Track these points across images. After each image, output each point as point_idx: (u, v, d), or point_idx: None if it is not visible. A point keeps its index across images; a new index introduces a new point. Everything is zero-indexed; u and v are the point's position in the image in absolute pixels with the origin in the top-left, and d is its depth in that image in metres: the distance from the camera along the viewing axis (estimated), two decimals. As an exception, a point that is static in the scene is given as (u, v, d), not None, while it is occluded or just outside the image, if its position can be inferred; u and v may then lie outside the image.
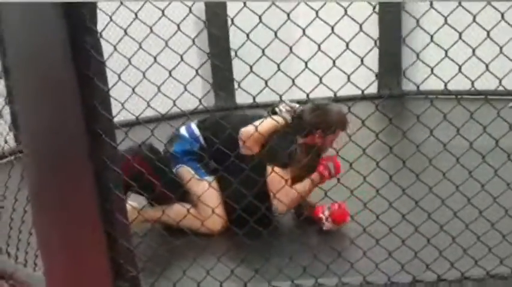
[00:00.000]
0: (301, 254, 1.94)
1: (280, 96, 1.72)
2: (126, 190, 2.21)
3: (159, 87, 1.58)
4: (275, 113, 2.45)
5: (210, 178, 2.42)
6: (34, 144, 1.53)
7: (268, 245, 1.97)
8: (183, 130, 2.54)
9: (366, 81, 1.55)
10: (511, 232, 1.67)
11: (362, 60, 1.49)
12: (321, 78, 1.51)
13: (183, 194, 2.30)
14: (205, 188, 2.32)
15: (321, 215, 2.40)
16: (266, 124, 2.35)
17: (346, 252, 1.83)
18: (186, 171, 2.43)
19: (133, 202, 2.38)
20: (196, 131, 2.52)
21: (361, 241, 1.72)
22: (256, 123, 2.31)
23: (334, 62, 1.48)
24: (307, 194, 2.47)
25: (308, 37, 1.49)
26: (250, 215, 1.79)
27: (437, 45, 1.55)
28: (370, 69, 1.66)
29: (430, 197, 1.62)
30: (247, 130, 2.34)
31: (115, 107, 1.54)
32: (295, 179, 2.44)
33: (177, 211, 2.21)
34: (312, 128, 2.37)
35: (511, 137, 1.56)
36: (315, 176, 2.45)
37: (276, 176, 2.27)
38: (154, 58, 1.54)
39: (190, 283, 1.68)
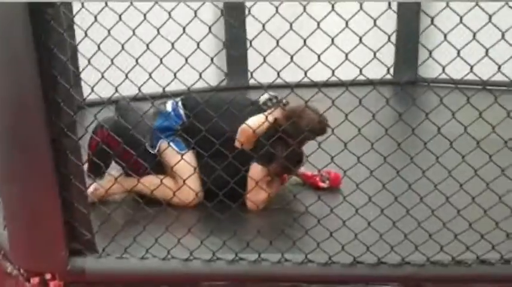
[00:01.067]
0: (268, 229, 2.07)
1: (292, 88, 1.68)
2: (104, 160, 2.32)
3: (175, 74, 1.63)
4: (261, 108, 2.53)
5: (188, 152, 2.48)
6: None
7: (239, 219, 2.03)
8: (168, 106, 2.61)
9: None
10: (504, 219, 1.66)
11: (375, 54, 1.51)
12: (333, 71, 1.54)
13: (158, 167, 2.37)
14: (182, 160, 2.37)
15: (321, 184, 2.65)
16: (263, 125, 2.35)
17: (312, 232, 1.84)
18: (165, 145, 2.50)
19: (114, 172, 2.46)
20: (181, 109, 2.58)
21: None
22: (253, 121, 2.40)
23: (346, 56, 1.51)
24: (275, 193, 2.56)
25: (322, 30, 1.49)
26: (223, 189, 1.89)
27: (451, 45, 1.54)
28: (384, 64, 1.68)
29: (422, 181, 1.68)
30: (245, 129, 2.40)
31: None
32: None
33: (151, 181, 2.28)
34: (287, 137, 2.36)
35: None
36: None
37: (255, 173, 2.37)
38: (172, 44, 1.57)
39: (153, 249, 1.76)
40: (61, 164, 1.62)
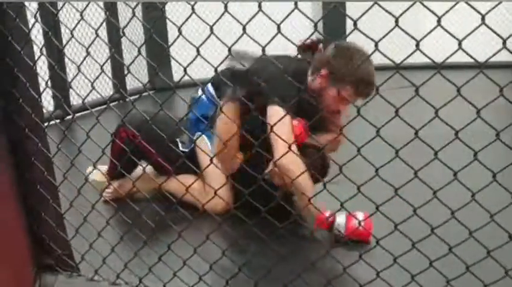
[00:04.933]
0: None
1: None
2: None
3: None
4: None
5: None
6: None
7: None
8: (200, 93, 2.31)
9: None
10: None
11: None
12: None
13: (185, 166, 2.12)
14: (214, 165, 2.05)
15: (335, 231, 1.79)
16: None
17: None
18: (201, 141, 2.22)
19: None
20: (212, 90, 2.26)
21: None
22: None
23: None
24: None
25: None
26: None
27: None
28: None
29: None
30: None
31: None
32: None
33: (177, 184, 2.01)
34: (320, 66, 1.90)
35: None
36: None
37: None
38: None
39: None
40: (24, 169, 1.42)
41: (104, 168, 2.39)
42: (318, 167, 1.88)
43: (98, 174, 2.35)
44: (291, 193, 2.09)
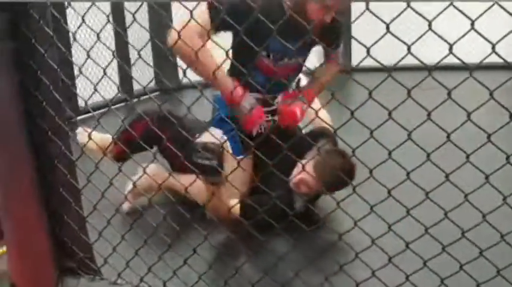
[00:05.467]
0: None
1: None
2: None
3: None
4: None
5: (244, 159, 2.13)
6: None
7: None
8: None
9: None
10: None
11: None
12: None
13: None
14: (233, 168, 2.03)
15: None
16: None
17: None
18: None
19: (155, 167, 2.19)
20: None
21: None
22: None
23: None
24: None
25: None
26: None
27: None
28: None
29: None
30: None
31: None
32: None
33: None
34: None
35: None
36: None
37: None
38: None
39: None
40: (47, 172, 1.42)
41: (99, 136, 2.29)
42: (345, 170, 1.88)
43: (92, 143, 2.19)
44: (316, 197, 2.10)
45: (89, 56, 1.31)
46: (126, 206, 2.19)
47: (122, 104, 4.60)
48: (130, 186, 2.10)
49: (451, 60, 1.05)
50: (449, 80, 1.04)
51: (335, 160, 1.96)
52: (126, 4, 4.15)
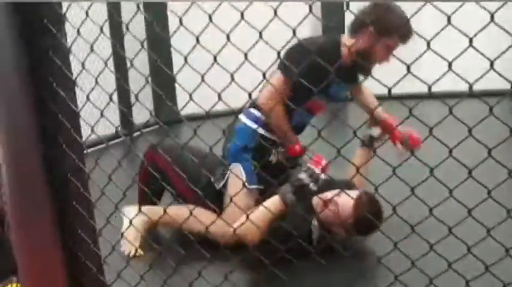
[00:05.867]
0: None
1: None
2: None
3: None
4: None
5: (255, 190, 2.14)
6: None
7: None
8: (242, 117, 2.27)
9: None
10: None
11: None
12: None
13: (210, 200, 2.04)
14: (248, 198, 2.02)
15: (398, 145, 2.36)
16: None
17: None
18: (238, 171, 2.15)
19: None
20: (256, 112, 2.23)
21: None
22: None
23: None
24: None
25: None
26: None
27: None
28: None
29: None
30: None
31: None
32: None
33: (183, 214, 1.94)
34: (363, 24, 2.01)
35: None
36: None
37: None
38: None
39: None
40: (60, 185, 1.36)
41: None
42: (380, 217, 1.87)
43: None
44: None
45: (88, 99, 1.35)
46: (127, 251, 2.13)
47: (121, 139, 4.53)
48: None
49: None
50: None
51: (375, 207, 1.94)
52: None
